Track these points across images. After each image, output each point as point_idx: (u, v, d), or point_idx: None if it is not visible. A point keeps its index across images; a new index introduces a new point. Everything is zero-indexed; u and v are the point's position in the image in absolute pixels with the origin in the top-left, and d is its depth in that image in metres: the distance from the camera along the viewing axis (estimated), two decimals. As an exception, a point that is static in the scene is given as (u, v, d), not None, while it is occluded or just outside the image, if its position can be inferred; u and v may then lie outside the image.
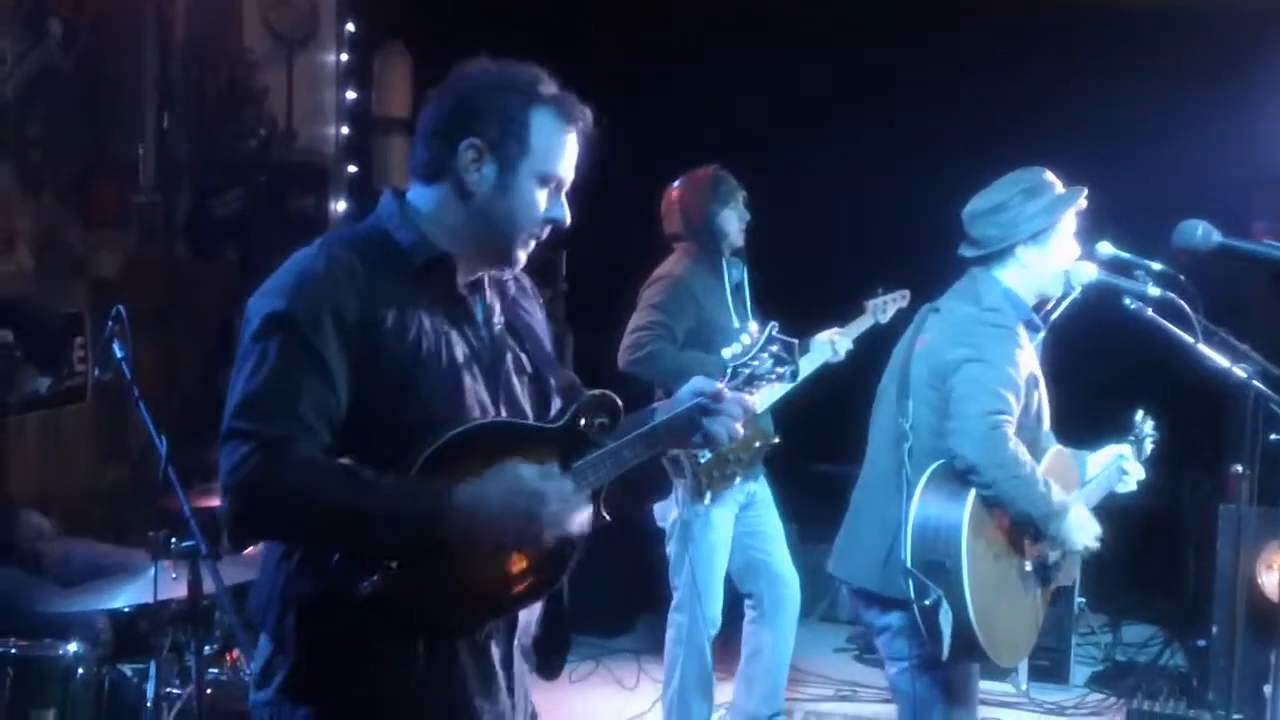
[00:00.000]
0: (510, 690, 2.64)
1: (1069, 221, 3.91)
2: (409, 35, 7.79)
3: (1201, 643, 6.29)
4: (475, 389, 2.56)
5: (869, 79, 7.15)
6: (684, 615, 5.31)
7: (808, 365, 5.36)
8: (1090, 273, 3.91)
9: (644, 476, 2.73)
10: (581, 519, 2.51)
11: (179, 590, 3.79)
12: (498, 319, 2.68)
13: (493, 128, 2.53)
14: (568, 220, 2.63)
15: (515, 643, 2.66)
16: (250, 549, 4.71)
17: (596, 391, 2.67)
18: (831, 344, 5.35)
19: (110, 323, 3.93)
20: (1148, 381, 5.95)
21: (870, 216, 6.99)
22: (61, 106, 6.38)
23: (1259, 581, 5.64)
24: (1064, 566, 3.98)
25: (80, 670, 3.93)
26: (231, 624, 4.06)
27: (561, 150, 2.59)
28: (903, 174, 6.76)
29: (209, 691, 3.79)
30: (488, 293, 2.67)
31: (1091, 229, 3.98)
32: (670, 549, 5.32)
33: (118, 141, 6.82)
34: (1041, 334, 3.99)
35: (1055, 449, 3.99)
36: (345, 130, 7.82)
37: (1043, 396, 3.93)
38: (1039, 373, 3.92)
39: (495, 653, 2.61)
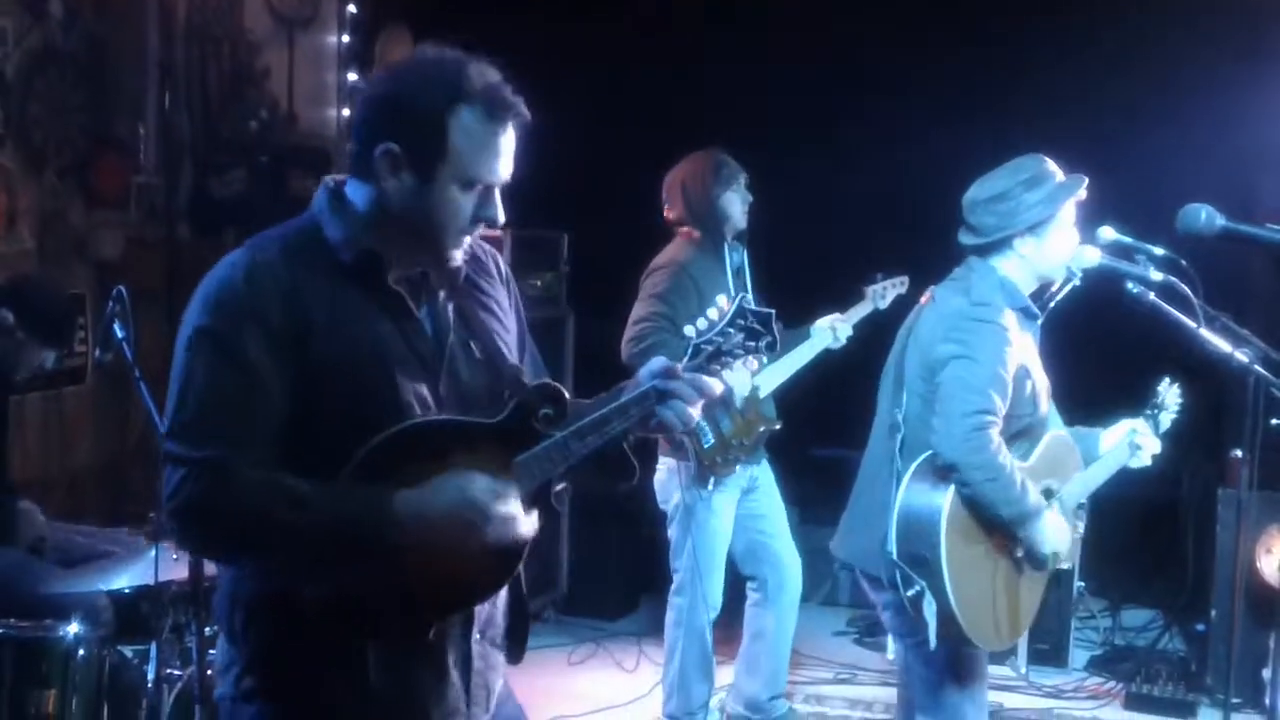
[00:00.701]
0: (467, 689, 2.60)
1: (1069, 212, 3.89)
2: (411, 17, 7.78)
3: (1201, 627, 6.31)
4: (412, 384, 2.49)
5: (869, 61, 7.12)
6: (684, 598, 5.32)
7: (809, 351, 5.36)
8: (1093, 257, 3.90)
9: (605, 462, 2.61)
10: (526, 530, 2.45)
11: (180, 572, 3.80)
12: (446, 310, 2.60)
13: (409, 133, 2.43)
14: (500, 219, 2.53)
15: (475, 639, 2.61)
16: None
17: (540, 381, 2.61)
18: (832, 330, 5.35)
19: (111, 303, 3.93)
20: (1149, 366, 5.97)
21: (870, 200, 6.98)
22: (63, 86, 6.38)
23: (1258, 566, 5.66)
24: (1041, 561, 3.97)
25: (81, 651, 3.92)
26: (216, 601, 4.07)
27: (488, 152, 2.46)
28: (902, 157, 6.75)
29: (209, 673, 3.79)
30: (432, 285, 2.58)
31: (1094, 213, 3.97)
32: (672, 532, 5.33)
33: (119, 122, 6.81)
34: (1039, 320, 3.97)
35: (1051, 435, 3.98)
36: (346, 112, 7.81)
37: (1038, 382, 3.92)
38: (1034, 360, 3.90)
39: (450, 653, 2.57)
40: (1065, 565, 4.09)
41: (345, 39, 7.78)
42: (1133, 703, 6.01)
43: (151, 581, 3.84)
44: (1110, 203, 4.05)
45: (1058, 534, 3.86)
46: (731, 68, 7.23)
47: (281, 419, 2.40)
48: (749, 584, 5.52)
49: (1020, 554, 3.86)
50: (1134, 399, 4.36)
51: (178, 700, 3.93)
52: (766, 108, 7.22)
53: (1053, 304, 4.02)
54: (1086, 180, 3.92)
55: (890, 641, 4.17)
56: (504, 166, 2.50)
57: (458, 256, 2.55)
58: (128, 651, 4.11)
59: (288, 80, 7.63)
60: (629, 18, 7.21)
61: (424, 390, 2.50)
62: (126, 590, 4.13)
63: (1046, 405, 4.01)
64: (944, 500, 3.67)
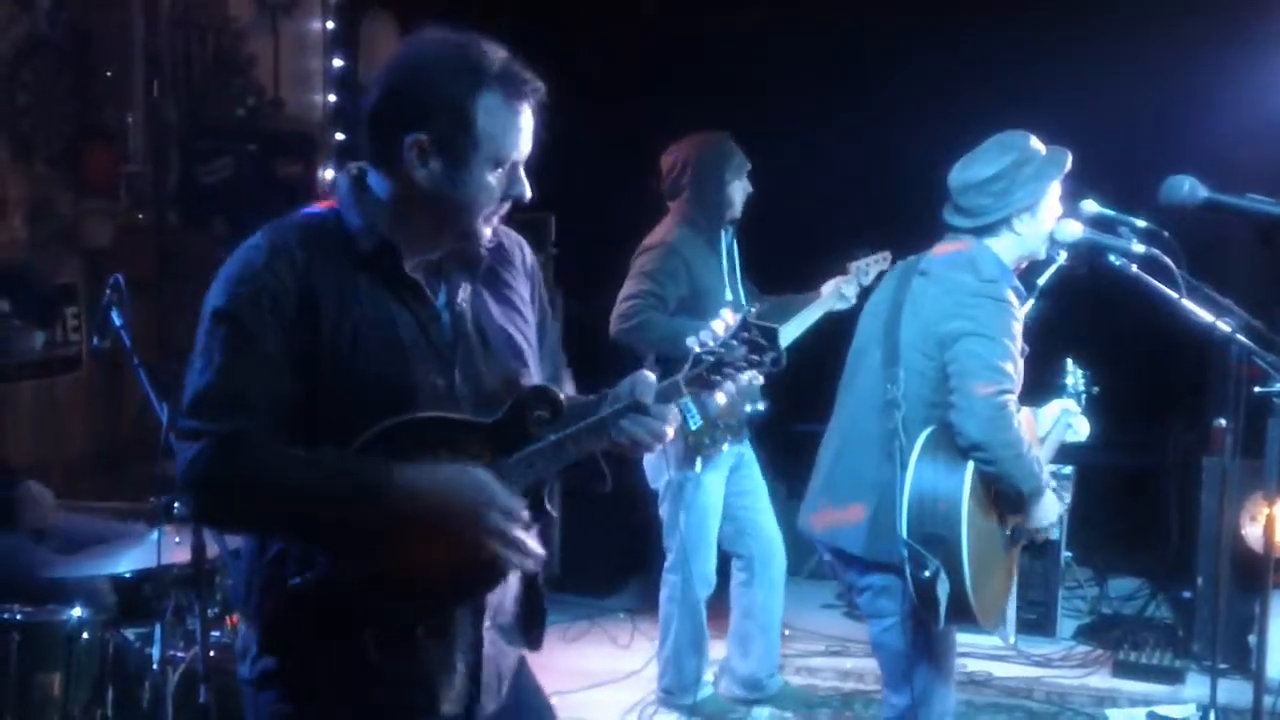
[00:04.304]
0: (477, 676, 2.63)
1: (1056, 185, 3.92)
2: (395, 1, 7.79)
3: (1187, 594, 6.38)
4: (425, 372, 2.52)
5: (848, 37, 7.15)
6: (678, 575, 5.37)
7: (813, 314, 5.38)
8: (1075, 230, 3.93)
9: (581, 467, 2.63)
10: (523, 533, 2.48)
11: (181, 554, 3.83)
12: (462, 299, 2.61)
13: (437, 122, 2.45)
14: (528, 195, 2.56)
15: (485, 627, 2.64)
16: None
17: (537, 384, 2.63)
18: (839, 292, 5.37)
19: (109, 291, 3.96)
20: (1123, 336, 6.03)
21: (851, 178, 7.00)
22: (50, 75, 6.40)
23: (1243, 533, 5.72)
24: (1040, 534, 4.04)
25: (84, 634, 3.96)
26: (236, 586, 4.11)
27: (512, 131, 2.49)
28: (883, 134, 6.77)
29: (212, 654, 3.83)
30: (451, 273, 2.61)
31: (1076, 186, 4.00)
32: (664, 511, 5.38)
33: (107, 110, 6.83)
34: (1031, 300, 4.00)
35: (1025, 411, 4.02)
36: (332, 97, 7.81)
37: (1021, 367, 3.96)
38: (1024, 343, 3.94)
39: (459, 640, 2.60)
40: (1054, 535, 4.15)
41: (329, 24, 7.78)
42: (1121, 670, 6.07)
43: (154, 564, 3.87)
44: (1092, 175, 4.08)
45: (1055, 509, 3.95)
46: (719, 49, 7.26)
47: (292, 400, 2.45)
48: (735, 562, 5.56)
49: (1010, 530, 3.92)
50: (1042, 380, 4.39)
51: (181, 681, 3.96)
52: (751, 87, 7.24)
53: (1040, 284, 4.05)
54: (1070, 154, 3.95)
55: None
56: (525, 142, 2.53)
57: (486, 233, 2.58)
58: (130, 634, 4.14)
59: (273, 67, 7.63)
60: (612, 3, 7.23)
61: (438, 380, 2.53)
62: (128, 574, 4.16)
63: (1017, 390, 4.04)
64: (964, 479, 3.66)
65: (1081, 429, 4.26)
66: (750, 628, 5.54)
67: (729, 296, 5.27)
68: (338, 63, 7.78)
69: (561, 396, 2.59)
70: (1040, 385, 4.33)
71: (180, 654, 4.03)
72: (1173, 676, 5.97)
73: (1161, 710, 5.61)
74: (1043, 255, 3.98)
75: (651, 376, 2.57)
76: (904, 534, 3.66)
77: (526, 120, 2.52)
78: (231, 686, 3.89)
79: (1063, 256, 4.00)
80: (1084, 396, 4.34)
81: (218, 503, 2.47)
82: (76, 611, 3.96)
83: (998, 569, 3.88)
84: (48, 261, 6.24)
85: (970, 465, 3.68)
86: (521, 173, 2.55)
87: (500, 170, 2.50)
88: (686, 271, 5.20)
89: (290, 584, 2.47)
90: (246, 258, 2.49)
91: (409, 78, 2.50)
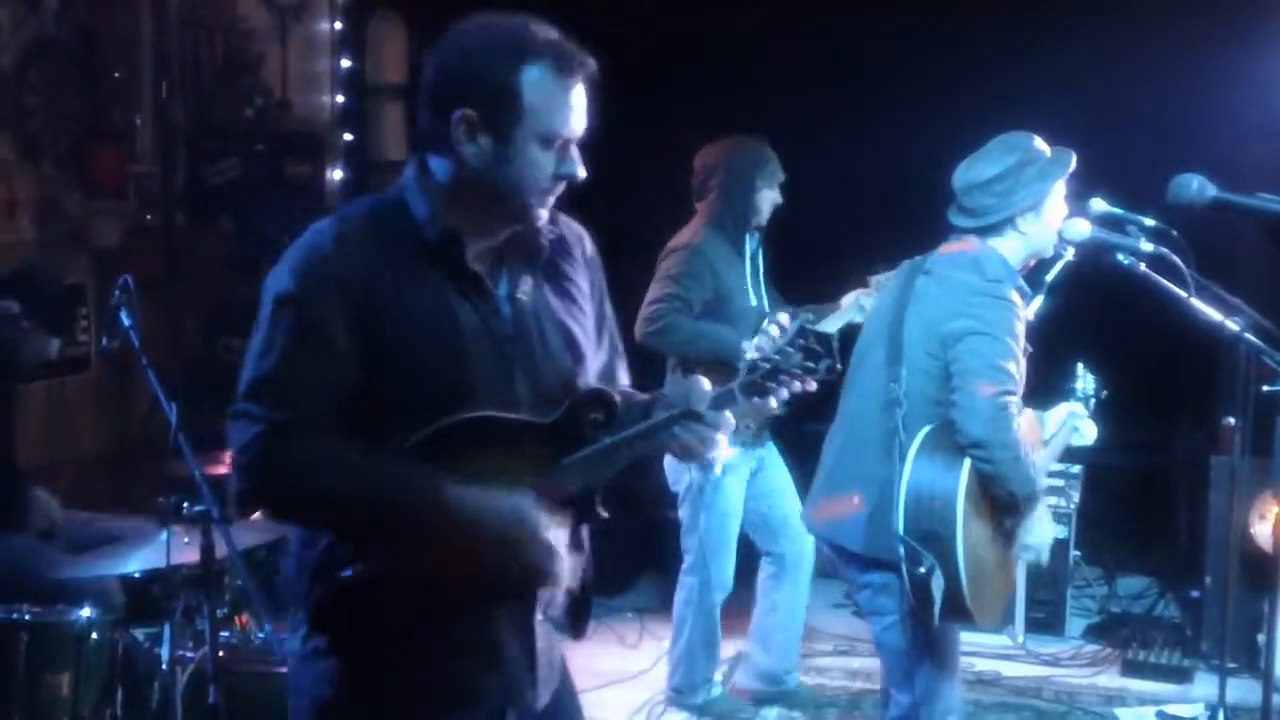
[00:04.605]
0: (531, 667, 2.65)
1: (1061, 184, 3.92)
2: (402, 2, 7.79)
3: (1195, 593, 6.36)
4: (484, 366, 2.51)
5: (850, 38, 7.13)
6: (695, 578, 5.37)
7: (834, 325, 5.38)
8: (1083, 229, 3.92)
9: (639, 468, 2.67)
10: (560, 569, 2.51)
11: (190, 554, 3.83)
12: (523, 292, 2.61)
13: (483, 97, 2.44)
14: (581, 174, 2.53)
15: (537, 619, 2.65)
16: (258, 514, 4.79)
17: (594, 387, 2.63)
18: (859, 304, 5.36)
19: (118, 292, 3.96)
20: (1132, 335, 6.02)
21: (851, 177, 6.96)
22: (58, 76, 6.41)
23: (1252, 532, 5.71)
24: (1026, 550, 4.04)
25: (94, 635, 3.95)
26: (244, 587, 4.12)
27: (561, 107, 2.46)
28: (885, 134, 6.74)
29: (221, 654, 3.83)
30: (512, 264, 2.61)
31: (1084, 185, 4.00)
32: (683, 512, 5.37)
33: (115, 111, 6.84)
34: (1037, 299, 3.99)
35: (1027, 412, 4.02)
36: (340, 98, 7.82)
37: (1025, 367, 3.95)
38: (1027, 343, 3.93)
39: (508, 631, 2.61)
40: (1044, 558, 4.15)
41: (338, 25, 7.78)
42: (1129, 669, 6.06)
43: (163, 565, 3.87)
44: (1100, 174, 4.07)
45: (1048, 528, 3.97)
46: (719, 49, 7.24)
47: (350, 390, 2.45)
48: (765, 559, 5.54)
49: (1008, 530, 3.92)
50: (1051, 381, 4.37)
51: (190, 681, 3.96)
52: (754, 88, 7.22)
53: (1047, 281, 4.04)
54: (1074, 155, 3.94)
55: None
56: (577, 120, 2.51)
57: (541, 214, 2.57)
58: (140, 634, 4.14)
59: (281, 67, 7.65)
60: (623, 1, 7.22)
61: (496, 375, 2.53)
62: (137, 574, 4.16)
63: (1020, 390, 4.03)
64: (960, 476, 3.66)
65: (1088, 433, 4.26)
66: (774, 623, 5.52)
67: (752, 302, 5.27)
68: (345, 64, 7.78)
69: (617, 399, 2.60)
70: (1049, 388, 4.33)
71: (189, 654, 4.02)
72: (1181, 676, 5.96)
73: (1170, 709, 5.60)
74: (1050, 254, 3.98)
75: (706, 383, 2.56)
76: (900, 530, 3.66)
77: (578, 98, 2.50)
78: (241, 686, 3.93)
79: (1070, 253, 3.99)
80: (1092, 401, 4.33)
81: (265, 490, 2.50)
82: (85, 612, 3.95)
83: (996, 569, 3.88)
84: (56, 262, 6.25)
85: (967, 463, 3.67)
86: (574, 151, 2.53)
87: (550, 148, 2.48)
88: (712, 274, 5.19)
89: (340, 576, 2.48)
90: (314, 243, 2.50)
91: (457, 54, 2.50)
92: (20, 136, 6.20)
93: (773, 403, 2.55)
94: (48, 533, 4.65)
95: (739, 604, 5.61)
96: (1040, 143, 3.93)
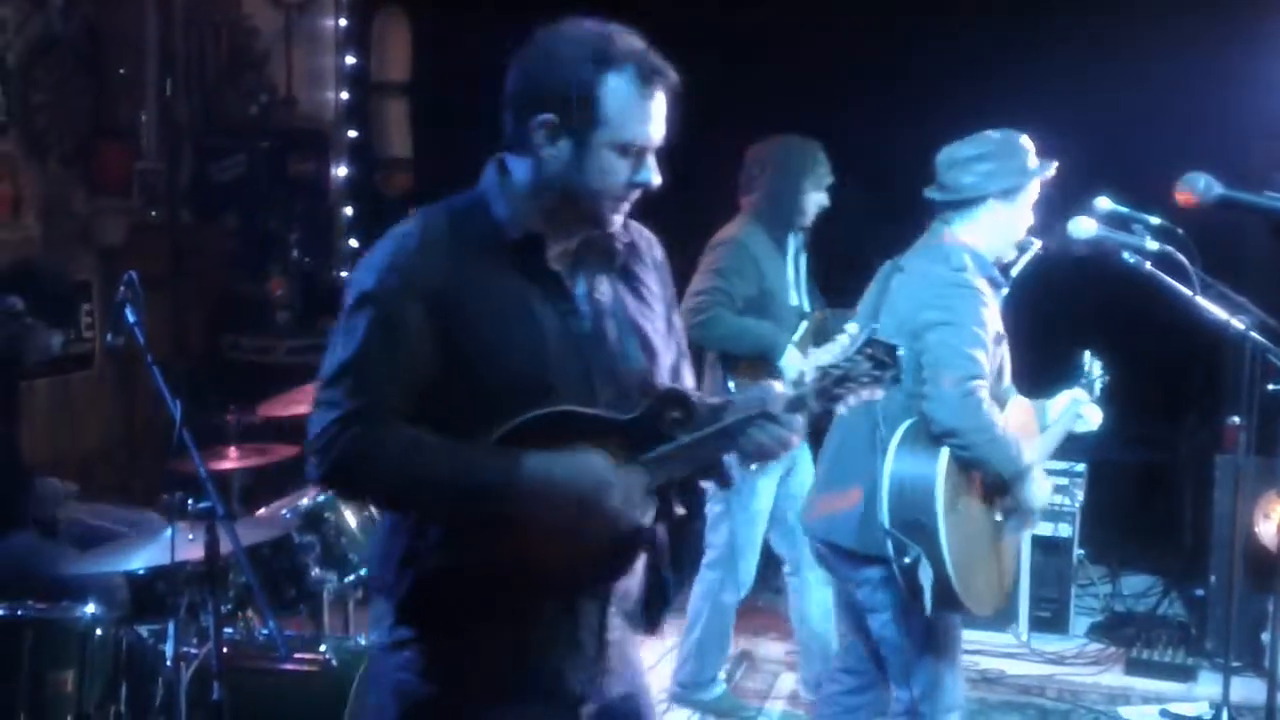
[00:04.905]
0: (602, 658, 2.68)
1: (1035, 190, 3.92)
2: (407, -1, 7.80)
3: (1200, 592, 6.36)
4: (563, 365, 2.55)
5: (855, 37, 7.11)
6: (717, 573, 5.35)
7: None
8: (1089, 228, 3.93)
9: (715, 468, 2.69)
10: (645, 518, 2.53)
11: (195, 551, 3.82)
12: (601, 293, 2.66)
13: (563, 103, 2.49)
14: (656, 182, 2.57)
15: (611, 611, 2.69)
16: (262, 510, 4.80)
17: (672, 386, 2.68)
18: None
19: (122, 288, 3.95)
20: (1138, 334, 6.01)
21: (851, 178, 6.94)
22: (64, 73, 6.42)
23: (1256, 531, 5.70)
24: (1025, 519, 4.03)
25: (98, 632, 3.94)
26: (249, 583, 4.11)
27: (638, 115, 2.51)
28: (891, 132, 6.72)
29: (226, 650, 3.82)
30: (590, 267, 2.66)
31: (1091, 183, 4.00)
32: (713, 509, 5.35)
33: (120, 108, 6.85)
34: (1005, 290, 4.00)
35: (1015, 399, 4.03)
36: (345, 95, 7.84)
37: (1005, 353, 3.95)
38: (1002, 330, 3.93)
39: (584, 623, 2.65)
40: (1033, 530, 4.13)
41: (342, 22, 7.80)
42: (1133, 668, 6.06)
43: (167, 561, 3.86)
44: (1107, 172, 4.07)
45: (1045, 488, 3.93)
46: (720, 47, 7.23)
47: (428, 386, 2.50)
48: (785, 569, 5.49)
49: (1001, 516, 3.92)
50: (1059, 371, 4.38)
51: (195, 678, 3.96)
52: (756, 88, 7.20)
53: (1014, 271, 4.03)
54: (1055, 163, 3.93)
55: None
56: (655, 130, 2.55)
57: (616, 220, 2.62)
58: (144, 631, 4.13)
59: (286, 64, 7.66)
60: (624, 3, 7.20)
61: (575, 374, 2.57)
62: (142, 570, 4.16)
63: (1009, 378, 4.04)
64: (938, 464, 3.69)
65: (1093, 418, 4.25)
66: (807, 634, 5.45)
67: (794, 302, 5.27)
68: (350, 61, 7.80)
69: (694, 399, 2.64)
70: (1056, 376, 4.34)
71: (194, 651, 4.02)
72: (1186, 674, 5.95)
73: (1174, 708, 5.59)
74: (1009, 258, 3.97)
75: (779, 386, 2.60)
76: (885, 522, 3.69)
77: (657, 108, 2.54)
78: (245, 683, 3.93)
79: (1036, 245, 3.99)
80: (1097, 385, 4.32)
81: (340, 474, 2.52)
82: (90, 609, 3.95)
83: (986, 557, 3.88)
84: (60, 259, 6.26)
85: (945, 451, 3.70)
86: (651, 160, 2.57)
87: (627, 155, 2.52)
88: (756, 270, 5.17)
89: (425, 561, 2.52)
90: (399, 244, 2.54)
91: (541, 59, 2.55)
92: (26, 134, 6.21)
93: (841, 409, 2.62)
94: (51, 524, 4.65)
95: (744, 603, 5.60)
96: (1027, 143, 3.93)
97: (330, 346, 2.55)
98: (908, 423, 3.75)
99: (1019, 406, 4.03)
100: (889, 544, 3.68)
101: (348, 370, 2.49)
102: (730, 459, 2.71)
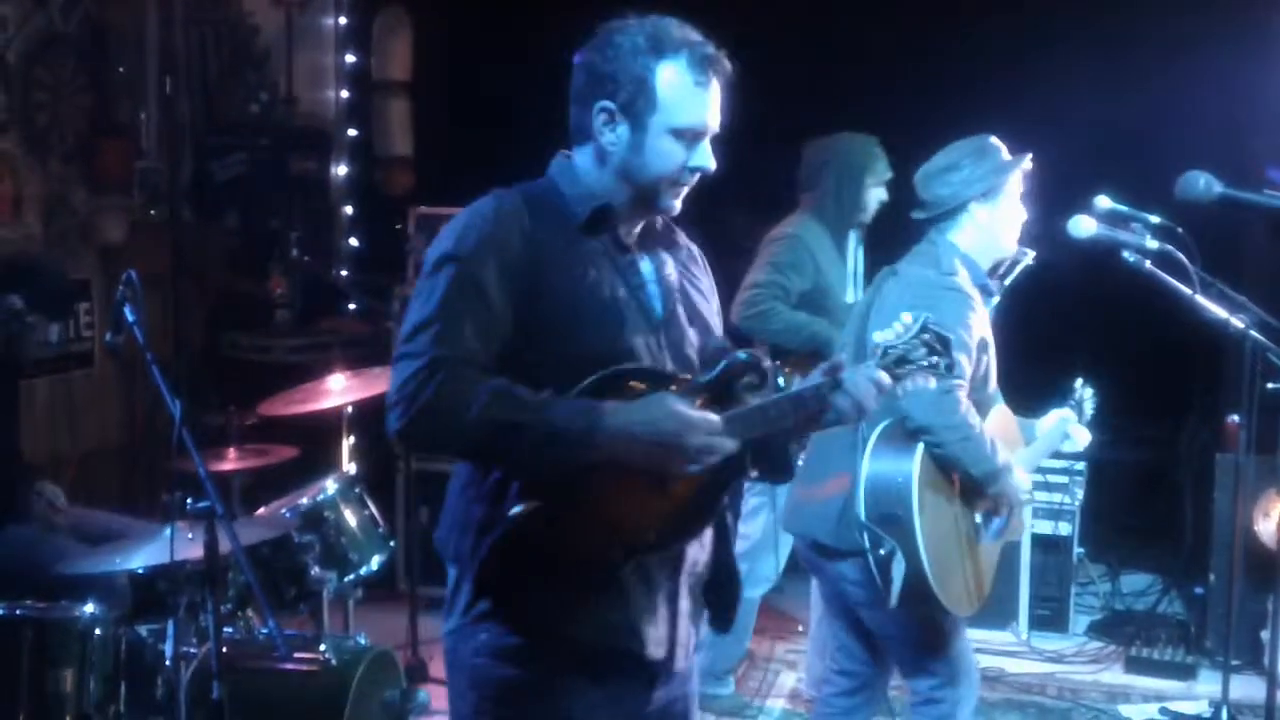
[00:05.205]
0: (675, 623, 2.72)
1: (1016, 183, 3.93)
2: (408, -2, 7.79)
3: (1199, 590, 6.35)
4: (636, 336, 2.65)
5: (852, 35, 7.10)
6: (746, 565, 5.34)
7: None
8: (1089, 227, 3.93)
9: (768, 454, 2.73)
10: (724, 454, 2.54)
11: (195, 550, 3.82)
12: (670, 273, 2.78)
13: (621, 89, 2.61)
14: (712, 167, 2.68)
15: (681, 578, 2.73)
16: (262, 510, 4.80)
17: (749, 352, 2.71)
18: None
19: (122, 287, 3.95)
20: (1139, 332, 6.02)
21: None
22: (65, 71, 6.42)
23: (1256, 530, 5.70)
24: (1011, 523, 4.03)
25: (98, 631, 3.95)
26: (248, 583, 4.11)
27: (694, 103, 2.63)
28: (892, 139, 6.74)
29: (225, 650, 3.82)
30: (654, 249, 2.78)
31: (1090, 182, 4.00)
32: (748, 501, 5.34)
33: (120, 107, 6.84)
34: (995, 299, 4.00)
35: (999, 408, 4.05)
36: (345, 94, 7.83)
37: (991, 360, 3.96)
38: (990, 337, 3.93)
39: (660, 587, 2.69)
40: (1014, 537, 4.14)
41: (343, 21, 7.80)
42: (1133, 666, 6.06)
43: (167, 560, 3.86)
44: (1106, 172, 4.07)
45: (1024, 487, 3.96)
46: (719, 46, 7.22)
47: (505, 352, 2.56)
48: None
49: (980, 518, 3.92)
50: (1049, 390, 4.40)
51: (195, 677, 3.96)
52: (755, 89, 7.16)
53: (1008, 281, 4.04)
54: (1030, 155, 3.94)
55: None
56: (711, 116, 2.67)
57: (675, 205, 2.73)
58: (144, 631, 4.14)
59: (286, 63, 7.65)
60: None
61: (651, 342, 2.67)
62: (142, 569, 4.16)
63: (994, 385, 4.04)
64: (914, 461, 3.72)
65: (1080, 439, 4.26)
66: (826, 633, 5.46)
67: (849, 299, 5.27)
68: (350, 59, 7.79)
69: (768, 366, 2.69)
70: (1051, 393, 4.36)
71: (193, 650, 4.03)
72: (1185, 672, 5.96)
73: (1174, 706, 5.60)
74: (1010, 253, 3.98)
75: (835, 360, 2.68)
76: (861, 515, 3.73)
77: (713, 96, 2.66)
78: (244, 682, 3.94)
79: (1029, 256, 4.00)
80: (1086, 408, 4.32)
81: (424, 422, 2.51)
82: (89, 608, 3.95)
83: (963, 557, 3.90)
84: (62, 257, 6.26)
85: (920, 446, 3.74)
86: (707, 146, 2.68)
87: (682, 140, 2.64)
88: (813, 266, 5.19)
89: (510, 513, 2.52)
90: (476, 211, 2.64)
91: (601, 51, 2.67)
92: (27, 132, 6.21)
93: (899, 391, 2.72)
94: (49, 525, 4.66)
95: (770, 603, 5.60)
96: (997, 142, 3.95)
97: (410, 309, 2.60)
98: (887, 420, 3.78)
99: (1002, 415, 4.06)
100: (865, 537, 3.72)
101: (430, 323, 2.53)
102: (793, 449, 2.78)
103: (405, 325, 2.59)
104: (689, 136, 2.64)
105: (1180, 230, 3.92)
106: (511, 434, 2.47)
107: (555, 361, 2.55)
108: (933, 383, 2.72)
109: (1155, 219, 3.92)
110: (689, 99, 2.62)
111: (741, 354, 2.69)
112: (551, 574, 2.58)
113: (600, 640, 2.64)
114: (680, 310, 2.77)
